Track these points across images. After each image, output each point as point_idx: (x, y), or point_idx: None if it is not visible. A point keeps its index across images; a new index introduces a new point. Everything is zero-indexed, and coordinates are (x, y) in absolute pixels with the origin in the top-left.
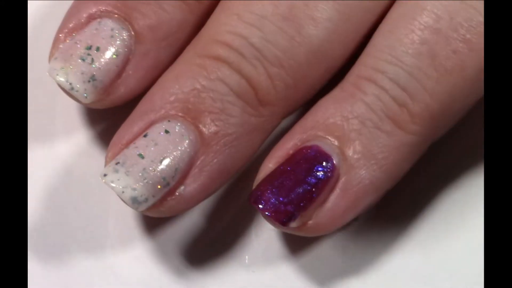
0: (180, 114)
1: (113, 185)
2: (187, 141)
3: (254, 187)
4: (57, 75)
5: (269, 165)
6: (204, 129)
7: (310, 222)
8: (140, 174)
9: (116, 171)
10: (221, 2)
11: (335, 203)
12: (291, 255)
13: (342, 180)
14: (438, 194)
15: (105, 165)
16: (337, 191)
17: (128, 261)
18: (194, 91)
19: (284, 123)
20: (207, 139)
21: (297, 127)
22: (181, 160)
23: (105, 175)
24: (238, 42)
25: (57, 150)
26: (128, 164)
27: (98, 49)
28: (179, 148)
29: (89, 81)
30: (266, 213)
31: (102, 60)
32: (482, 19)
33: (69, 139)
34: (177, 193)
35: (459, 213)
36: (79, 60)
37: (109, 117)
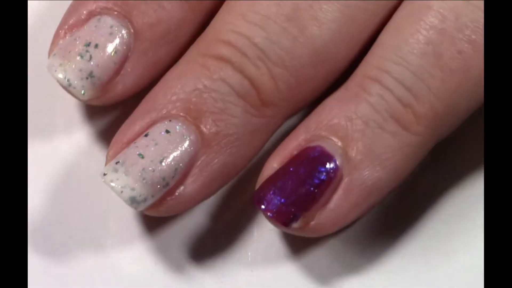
0: (181, 114)
1: (112, 184)
2: (187, 141)
3: (257, 187)
4: (55, 71)
5: (273, 165)
6: (205, 129)
7: (312, 222)
8: (139, 174)
9: (116, 170)
10: (226, 2)
11: (338, 204)
12: (292, 254)
13: (345, 181)
14: (438, 194)
15: (106, 163)
16: (339, 192)
17: (129, 259)
18: (196, 91)
19: (289, 122)
20: (208, 139)
21: (301, 127)
22: (181, 160)
23: (104, 174)
24: (241, 42)
25: (57, 148)
26: (127, 164)
27: (96, 46)
28: (180, 148)
29: (87, 78)
30: (269, 214)
31: (100, 57)
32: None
33: (70, 137)
34: (176, 193)
35: (459, 213)
36: (78, 57)
37: (110, 116)
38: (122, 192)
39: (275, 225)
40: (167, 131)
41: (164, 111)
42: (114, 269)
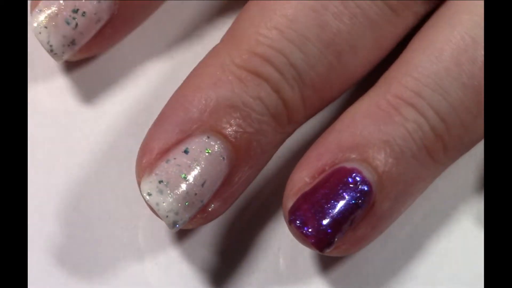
0: (219, 130)
1: (158, 208)
2: (225, 162)
3: (289, 202)
4: (39, 33)
5: (304, 178)
6: (240, 149)
7: (341, 246)
8: (184, 198)
9: (161, 192)
10: (251, 2)
11: (367, 231)
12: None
13: (375, 209)
14: (439, 194)
15: (140, 172)
16: (370, 218)
17: (129, 259)
18: (234, 107)
19: None
20: (241, 160)
21: (333, 139)
22: (218, 181)
23: (149, 194)
24: (280, 61)
25: (57, 148)
26: (172, 185)
27: (84, 14)
28: (218, 169)
29: (68, 45)
30: (311, 240)
31: (85, 26)
32: None
33: (70, 137)
34: (208, 210)
35: (460, 213)
36: (64, 23)
37: (111, 115)
38: (167, 216)
39: (308, 247)
40: (207, 151)
41: (201, 124)
42: (115, 269)
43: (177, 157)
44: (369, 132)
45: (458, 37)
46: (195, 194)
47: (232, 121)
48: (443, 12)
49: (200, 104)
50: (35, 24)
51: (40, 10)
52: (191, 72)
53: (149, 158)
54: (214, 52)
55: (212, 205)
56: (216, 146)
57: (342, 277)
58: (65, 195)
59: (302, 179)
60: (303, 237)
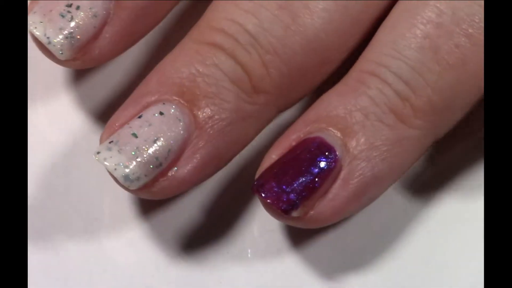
0: (175, 97)
1: (106, 163)
2: (181, 124)
3: (256, 176)
4: (35, 28)
5: (272, 156)
6: (198, 113)
7: (311, 212)
8: (133, 152)
9: (109, 149)
10: None
11: (337, 194)
12: (292, 251)
13: (344, 171)
14: (439, 195)
15: (99, 145)
16: (339, 182)
17: (129, 259)
18: (190, 76)
19: (287, 119)
20: (201, 123)
21: (300, 121)
22: (175, 142)
23: (98, 153)
24: (234, 29)
25: (57, 148)
26: (121, 143)
27: (78, 7)
28: (173, 129)
29: (66, 38)
30: (268, 201)
31: (81, 18)
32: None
33: (70, 137)
34: (169, 174)
35: (459, 213)
36: (59, 16)
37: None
38: (115, 169)
39: (274, 214)
40: (161, 113)
41: (158, 95)
42: (115, 268)
43: (131, 122)
44: (333, 105)
45: (413, 8)
46: (146, 149)
47: (190, 90)
48: None
49: (158, 80)
50: (30, 24)
51: (35, 12)
52: None
53: (108, 132)
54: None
55: (175, 169)
56: (172, 109)
57: (342, 276)
58: (66, 194)
59: (269, 158)
60: (264, 202)
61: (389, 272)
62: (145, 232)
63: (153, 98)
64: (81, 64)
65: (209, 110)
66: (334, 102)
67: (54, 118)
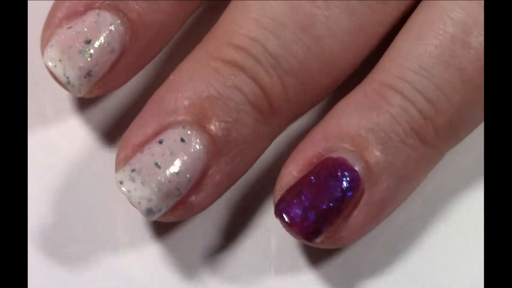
0: (194, 120)
1: (130, 195)
2: (202, 151)
3: (277, 196)
4: (55, 66)
5: (292, 172)
6: (218, 139)
7: (333, 236)
8: (156, 185)
9: (133, 179)
10: (233, 1)
11: (359, 218)
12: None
13: (366, 196)
14: (439, 194)
15: (117, 166)
16: (361, 206)
17: (131, 261)
18: (210, 97)
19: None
20: (220, 149)
21: (319, 133)
22: (195, 170)
23: (121, 182)
24: (256, 48)
25: (57, 148)
26: (144, 173)
27: (96, 44)
28: (194, 158)
29: (85, 77)
30: (295, 230)
31: (99, 56)
32: None
33: (70, 137)
34: (187, 202)
35: (460, 214)
36: (78, 54)
37: (112, 115)
38: (139, 203)
39: (296, 237)
40: (182, 140)
41: (177, 116)
42: (115, 270)
43: (152, 147)
44: (354, 121)
45: (437, 19)
46: (169, 181)
47: (209, 112)
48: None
49: (176, 99)
50: (48, 60)
51: (52, 46)
52: (171, 73)
53: (126, 152)
54: (193, 51)
55: (193, 197)
56: (192, 135)
57: (342, 276)
58: (66, 195)
59: (290, 174)
60: (289, 228)
61: (389, 272)
62: (145, 233)
63: (171, 119)
64: (96, 95)
65: (229, 135)
66: (355, 116)
67: (57, 126)
